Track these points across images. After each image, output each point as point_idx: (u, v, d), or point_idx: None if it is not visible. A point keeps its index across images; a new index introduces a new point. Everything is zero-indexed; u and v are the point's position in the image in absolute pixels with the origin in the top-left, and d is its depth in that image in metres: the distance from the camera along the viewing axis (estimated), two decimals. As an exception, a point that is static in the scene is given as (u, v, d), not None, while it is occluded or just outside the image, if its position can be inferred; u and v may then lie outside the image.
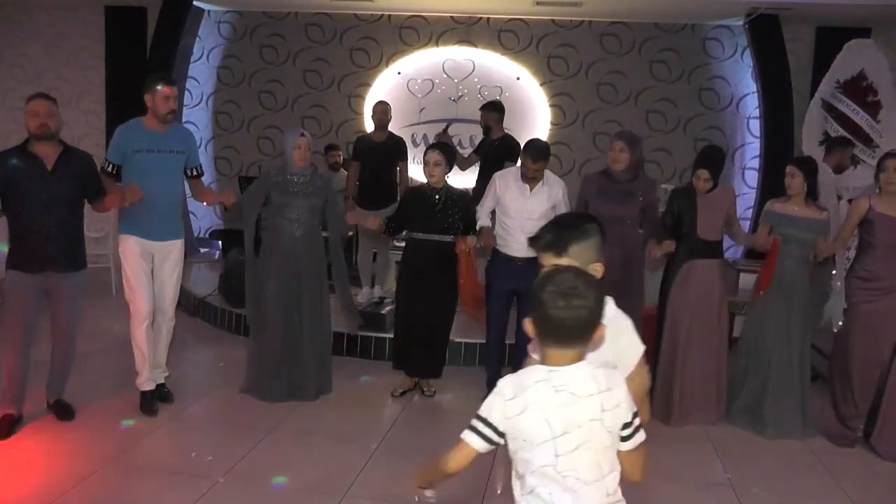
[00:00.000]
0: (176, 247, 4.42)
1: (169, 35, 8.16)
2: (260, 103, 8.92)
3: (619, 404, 1.79)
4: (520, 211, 4.66)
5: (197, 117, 8.90)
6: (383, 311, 5.67)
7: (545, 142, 4.82)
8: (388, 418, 4.47)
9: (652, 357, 4.47)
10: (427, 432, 4.29)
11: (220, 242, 8.65)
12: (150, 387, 4.38)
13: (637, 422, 1.84)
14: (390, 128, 6.54)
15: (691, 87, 8.33)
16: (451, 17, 8.51)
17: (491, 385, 4.37)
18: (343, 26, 8.69)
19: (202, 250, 8.81)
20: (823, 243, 4.43)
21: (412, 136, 8.47)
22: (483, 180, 5.77)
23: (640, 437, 1.85)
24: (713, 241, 4.56)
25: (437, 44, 8.60)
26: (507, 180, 4.75)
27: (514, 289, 4.70)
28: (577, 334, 1.77)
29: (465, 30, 8.54)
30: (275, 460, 3.82)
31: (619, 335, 2.13)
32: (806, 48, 8.05)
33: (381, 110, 6.39)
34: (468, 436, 1.83)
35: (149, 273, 4.34)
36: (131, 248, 4.26)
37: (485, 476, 3.72)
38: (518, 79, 8.49)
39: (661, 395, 4.57)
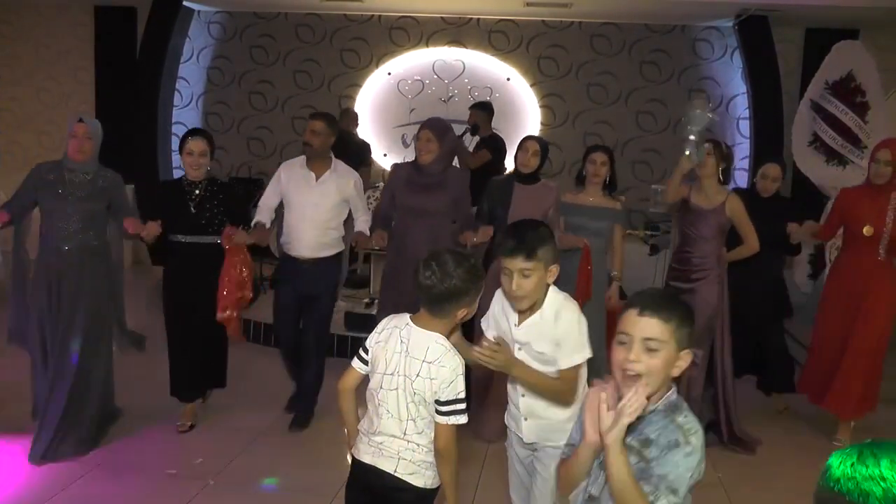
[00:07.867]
0: None
1: (159, 35, 8.12)
2: (250, 104, 8.90)
3: (437, 378, 2.10)
4: (302, 204, 4.08)
5: (187, 118, 8.86)
6: (374, 312, 5.64)
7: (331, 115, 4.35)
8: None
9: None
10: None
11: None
12: None
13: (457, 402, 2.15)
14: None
15: (681, 87, 8.35)
16: (442, 17, 8.51)
17: (305, 402, 4.27)
18: (333, 27, 8.68)
19: None
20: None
21: (402, 136, 8.47)
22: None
23: (458, 418, 2.14)
24: None
25: (427, 44, 8.60)
26: (292, 169, 4.20)
27: (305, 294, 4.15)
28: (438, 304, 2.14)
29: (456, 30, 8.55)
30: (265, 462, 3.81)
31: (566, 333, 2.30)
32: (795, 49, 8.09)
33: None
34: (353, 362, 2.28)
35: None
36: None
37: (476, 471, 3.73)
38: (508, 79, 8.50)
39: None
